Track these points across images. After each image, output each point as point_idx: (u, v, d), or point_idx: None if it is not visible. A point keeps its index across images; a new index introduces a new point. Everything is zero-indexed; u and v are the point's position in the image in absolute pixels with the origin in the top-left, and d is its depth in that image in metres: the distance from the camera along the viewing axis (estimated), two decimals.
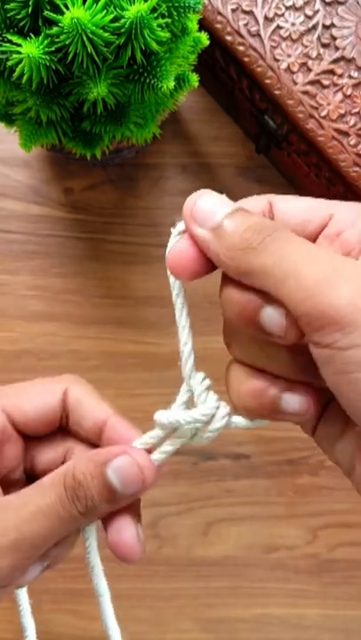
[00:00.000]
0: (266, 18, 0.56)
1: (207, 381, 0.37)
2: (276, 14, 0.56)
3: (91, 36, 0.39)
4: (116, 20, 0.40)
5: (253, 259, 0.30)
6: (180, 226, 0.37)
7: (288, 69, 0.56)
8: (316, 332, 0.28)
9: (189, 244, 0.35)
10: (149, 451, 0.37)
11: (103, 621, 0.43)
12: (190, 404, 0.37)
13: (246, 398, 0.34)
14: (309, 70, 0.56)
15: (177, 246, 0.36)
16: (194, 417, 0.36)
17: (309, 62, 0.56)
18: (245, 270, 0.31)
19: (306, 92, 0.55)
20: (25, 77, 0.41)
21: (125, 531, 0.39)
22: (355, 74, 0.56)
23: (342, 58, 0.56)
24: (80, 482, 0.35)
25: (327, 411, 0.35)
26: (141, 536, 0.39)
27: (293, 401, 0.33)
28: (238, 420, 0.36)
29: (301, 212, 0.35)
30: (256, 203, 0.35)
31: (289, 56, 0.56)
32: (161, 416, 0.36)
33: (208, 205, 0.33)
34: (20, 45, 0.39)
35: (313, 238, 0.34)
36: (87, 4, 0.39)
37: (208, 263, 0.35)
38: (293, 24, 0.56)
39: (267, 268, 0.30)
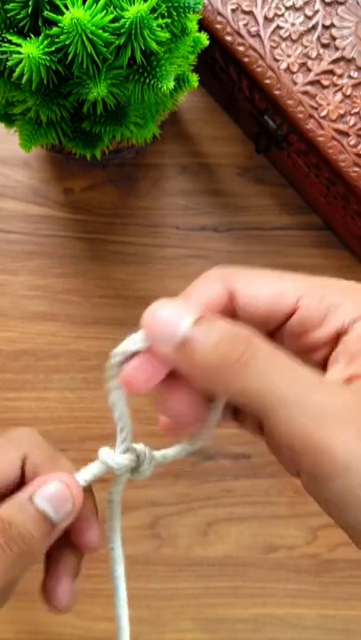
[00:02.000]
0: (266, 18, 0.56)
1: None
2: (275, 14, 0.56)
3: (90, 36, 0.39)
4: (115, 20, 0.40)
5: (234, 380, 0.28)
6: (137, 338, 0.33)
7: (288, 69, 0.56)
8: (306, 466, 0.27)
9: (148, 361, 0.32)
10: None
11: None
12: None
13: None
14: (309, 70, 0.56)
15: (134, 365, 0.32)
16: (123, 464, 0.37)
17: (309, 62, 0.56)
18: (225, 392, 0.29)
19: (306, 93, 0.55)
20: (25, 77, 0.41)
21: (63, 583, 0.39)
22: (354, 74, 0.56)
23: (342, 58, 0.56)
24: (10, 522, 0.33)
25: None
26: (74, 591, 0.39)
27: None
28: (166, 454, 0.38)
29: (266, 302, 0.32)
30: (211, 288, 0.33)
31: (289, 56, 0.56)
32: (102, 454, 0.37)
33: (168, 316, 0.30)
34: (19, 45, 0.39)
35: (277, 328, 0.33)
36: (87, 4, 0.39)
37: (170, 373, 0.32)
38: (293, 24, 0.56)
39: (251, 392, 0.28)
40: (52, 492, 0.34)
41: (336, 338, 0.31)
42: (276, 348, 0.28)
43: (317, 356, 0.32)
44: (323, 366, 0.32)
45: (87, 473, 0.37)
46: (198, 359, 0.28)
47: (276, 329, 0.33)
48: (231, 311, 0.33)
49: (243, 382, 0.28)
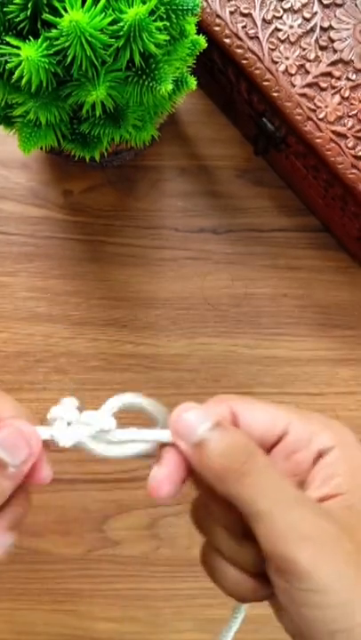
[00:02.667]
0: (264, 20, 0.56)
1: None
2: (274, 17, 0.56)
3: (89, 38, 0.39)
4: (114, 22, 0.40)
5: (232, 485, 0.34)
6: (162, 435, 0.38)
7: (286, 72, 0.56)
8: (277, 570, 0.33)
9: (170, 469, 0.37)
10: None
11: None
12: None
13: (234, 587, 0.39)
14: (307, 72, 0.56)
15: (157, 475, 0.38)
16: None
17: (307, 64, 0.56)
18: (225, 493, 0.34)
19: (304, 95, 0.56)
20: (24, 80, 0.41)
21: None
22: (353, 76, 0.56)
23: (340, 60, 0.56)
24: None
25: None
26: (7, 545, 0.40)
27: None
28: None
29: (263, 425, 0.38)
30: (218, 408, 0.38)
31: (287, 58, 0.56)
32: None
33: (191, 419, 0.36)
34: (19, 48, 0.40)
35: (269, 448, 0.38)
36: (86, 6, 0.39)
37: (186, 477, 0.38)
38: (292, 26, 0.56)
39: (244, 498, 0.34)
40: (9, 439, 0.36)
41: (317, 459, 0.37)
42: (271, 465, 0.35)
43: (303, 474, 0.38)
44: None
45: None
46: (209, 460, 0.35)
47: (269, 449, 0.38)
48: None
49: (239, 488, 0.34)
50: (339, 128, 0.55)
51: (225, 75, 0.60)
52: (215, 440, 0.35)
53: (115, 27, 0.40)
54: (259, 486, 0.33)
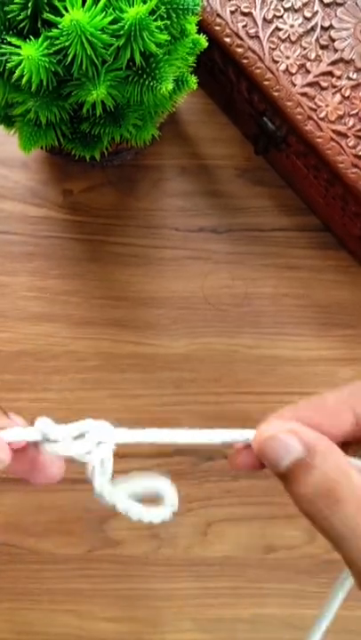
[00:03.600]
0: (265, 19, 0.56)
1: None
2: (274, 16, 0.56)
3: (90, 37, 0.39)
4: (115, 21, 0.40)
5: (319, 522, 0.32)
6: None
7: (287, 71, 0.56)
8: None
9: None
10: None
11: None
12: None
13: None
14: (308, 72, 0.56)
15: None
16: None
17: (308, 64, 0.56)
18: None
19: (304, 94, 0.56)
20: (24, 79, 0.41)
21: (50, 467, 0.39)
22: (353, 75, 0.56)
23: (341, 59, 0.56)
24: None
25: None
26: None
27: None
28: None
29: None
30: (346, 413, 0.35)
31: (288, 57, 0.56)
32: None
33: (273, 447, 0.33)
34: (19, 47, 0.40)
35: None
36: (86, 5, 0.39)
37: None
38: (292, 26, 0.56)
39: (332, 538, 0.32)
40: None
41: None
42: (356, 507, 0.31)
43: None
44: None
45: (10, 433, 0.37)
46: (293, 496, 0.32)
47: None
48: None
49: (326, 527, 0.31)
50: (339, 127, 0.55)
51: (225, 74, 0.60)
52: (303, 475, 0.32)
53: (115, 26, 0.40)
54: (344, 538, 0.31)
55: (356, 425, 0.35)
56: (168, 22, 0.42)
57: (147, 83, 0.43)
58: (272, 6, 0.56)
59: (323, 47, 0.56)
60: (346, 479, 0.32)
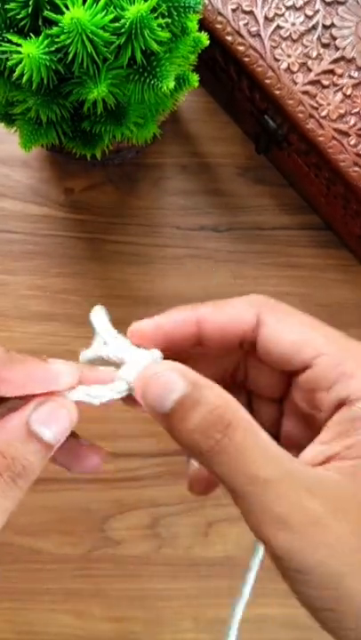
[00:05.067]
0: (266, 18, 0.56)
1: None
2: (276, 14, 0.56)
3: (91, 35, 0.39)
4: (116, 20, 0.40)
5: (202, 462, 0.31)
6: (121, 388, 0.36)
7: (288, 69, 0.56)
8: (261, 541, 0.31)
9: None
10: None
11: None
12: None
13: None
14: (309, 70, 0.56)
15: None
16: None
17: (309, 62, 0.56)
18: (198, 461, 0.31)
19: (306, 92, 0.55)
20: (25, 77, 0.41)
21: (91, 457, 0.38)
22: (355, 74, 0.56)
23: (342, 58, 0.56)
24: (13, 456, 0.31)
25: None
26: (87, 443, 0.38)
27: None
28: None
29: (286, 346, 0.34)
30: (184, 317, 0.35)
31: (289, 56, 0.56)
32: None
33: (158, 387, 0.32)
34: (20, 45, 0.39)
35: (289, 374, 0.35)
36: (87, 3, 0.39)
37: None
38: (293, 24, 0.56)
39: (218, 475, 0.30)
40: (47, 414, 0.33)
41: (339, 406, 0.33)
42: (250, 439, 0.30)
43: (320, 415, 0.34)
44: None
45: (79, 393, 0.36)
46: (179, 436, 0.31)
47: (291, 375, 0.35)
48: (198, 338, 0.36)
49: (210, 467, 0.30)
50: (341, 126, 0.55)
51: (227, 72, 0.60)
52: (188, 411, 0.30)
53: (116, 24, 0.40)
54: (235, 465, 0.29)
55: (256, 325, 0.34)
56: (169, 20, 0.42)
57: (148, 81, 0.43)
58: (273, 4, 0.56)
59: (324, 45, 0.56)
60: (234, 404, 0.31)
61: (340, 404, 0.32)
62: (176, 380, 0.31)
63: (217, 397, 0.31)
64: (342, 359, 0.33)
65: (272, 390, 0.39)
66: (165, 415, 0.31)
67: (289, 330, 0.34)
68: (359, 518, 0.30)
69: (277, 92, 0.56)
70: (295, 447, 0.34)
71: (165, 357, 0.36)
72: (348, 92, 0.55)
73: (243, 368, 0.40)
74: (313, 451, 0.33)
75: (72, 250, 0.67)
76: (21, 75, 0.41)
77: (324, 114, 0.55)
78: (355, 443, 0.31)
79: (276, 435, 0.39)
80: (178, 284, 0.67)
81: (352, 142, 0.55)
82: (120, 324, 0.66)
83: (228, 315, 0.35)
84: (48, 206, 0.67)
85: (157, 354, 0.36)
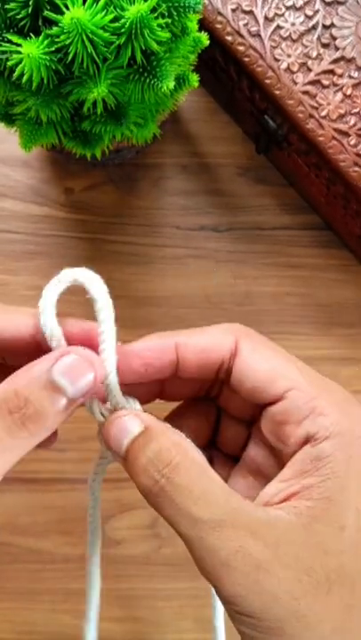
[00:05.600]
0: (266, 18, 0.56)
1: None
2: (276, 14, 0.56)
3: (91, 35, 0.38)
4: (116, 19, 0.40)
5: (151, 504, 0.31)
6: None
7: (288, 69, 0.55)
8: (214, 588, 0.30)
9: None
10: None
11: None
12: None
13: None
14: (309, 70, 0.56)
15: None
16: None
17: (309, 62, 0.56)
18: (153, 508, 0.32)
19: (306, 92, 0.55)
20: (25, 77, 0.40)
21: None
22: (355, 74, 0.56)
23: (342, 58, 0.56)
24: (27, 399, 0.31)
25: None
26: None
27: None
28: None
29: (261, 377, 0.34)
30: (162, 343, 0.35)
31: (289, 56, 0.56)
32: None
33: (115, 431, 0.33)
34: (19, 45, 0.39)
35: (262, 405, 0.35)
36: (87, 3, 0.39)
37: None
38: (293, 24, 0.56)
39: (164, 518, 0.31)
40: (70, 366, 0.32)
41: (304, 443, 0.32)
42: (192, 479, 0.30)
43: (286, 450, 0.33)
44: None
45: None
46: (132, 479, 0.32)
47: (263, 406, 0.34)
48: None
49: (158, 510, 0.31)
50: (341, 126, 0.55)
51: (227, 72, 0.60)
52: (138, 454, 0.31)
53: (116, 24, 0.40)
54: (176, 509, 0.30)
55: (232, 353, 0.35)
56: (169, 20, 0.42)
57: (148, 81, 0.43)
58: (273, 4, 0.56)
59: (324, 45, 0.56)
60: (183, 446, 0.31)
61: (306, 441, 0.32)
62: (131, 424, 0.32)
63: (166, 439, 0.32)
64: (315, 394, 0.33)
65: (242, 414, 0.39)
66: (122, 458, 0.32)
67: (264, 360, 0.34)
68: (306, 564, 0.29)
69: (277, 92, 0.56)
70: (257, 472, 0.35)
71: (140, 383, 0.37)
72: (349, 92, 0.55)
73: (217, 388, 0.40)
74: (273, 488, 0.33)
75: (72, 250, 0.67)
76: (21, 75, 0.41)
77: (324, 114, 0.55)
78: (314, 483, 0.31)
79: (240, 455, 0.39)
80: (178, 283, 0.67)
81: (352, 142, 0.55)
82: (120, 325, 0.66)
83: (206, 341, 0.35)
84: (48, 206, 0.67)
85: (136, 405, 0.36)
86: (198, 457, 0.32)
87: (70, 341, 0.35)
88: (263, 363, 0.34)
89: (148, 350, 0.35)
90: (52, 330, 0.35)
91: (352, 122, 0.55)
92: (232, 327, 0.36)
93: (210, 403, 0.40)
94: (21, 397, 0.31)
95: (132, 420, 0.33)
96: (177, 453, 0.31)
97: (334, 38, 0.56)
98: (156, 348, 0.35)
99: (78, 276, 0.36)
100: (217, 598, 0.42)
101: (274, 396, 0.34)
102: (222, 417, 0.40)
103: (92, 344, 0.35)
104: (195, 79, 0.51)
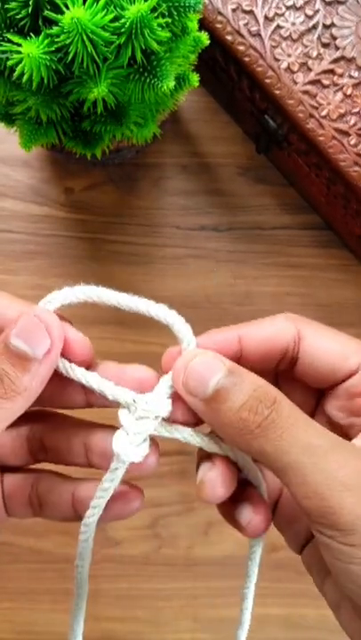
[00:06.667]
0: (266, 17, 0.56)
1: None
2: (276, 14, 0.56)
3: (91, 35, 0.38)
4: (116, 19, 0.40)
5: (252, 442, 0.30)
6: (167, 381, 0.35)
7: (288, 69, 0.55)
8: (318, 524, 0.30)
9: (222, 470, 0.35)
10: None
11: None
12: None
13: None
14: (310, 70, 0.56)
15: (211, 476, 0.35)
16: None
17: (310, 62, 0.56)
18: (246, 450, 0.31)
19: (306, 92, 0.55)
20: (25, 77, 0.40)
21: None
22: (355, 73, 0.55)
23: (342, 57, 0.56)
24: None
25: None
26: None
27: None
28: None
29: (331, 356, 0.34)
30: (226, 337, 0.35)
31: (289, 56, 0.56)
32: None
33: (199, 370, 0.32)
34: (20, 45, 0.39)
35: (333, 384, 0.35)
36: (87, 3, 0.39)
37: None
38: (294, 24, 0.56)
39: (268, 455, 0.30)
40: (28, 328, 0.33)
41: None
42: (298, 412, 0.31)
43: (359, 421, 0.35)
44: None
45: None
46: (227, 415, 0.31)
47: (333, 385, 0.35)
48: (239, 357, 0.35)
49: (261, 445, 0.30)
50: (341, 125, 0.55)
51: (227, 72, 0.60)
52: (233, 391, 0.31)
53: (116, 23, 0.40)
54: (287, 437, 0.30)
55: (296, 340, 0.35)
56: (169, 20, 0.42)
57: (148, 80, 0.43)
58: (273, 4, 0.56)
59: (324, 45, 0.56)
60: (271, 385, 0.32)
61: None
62: (216, 364, 0.32)
63: (257, 378, 0.32)
64: None
65: (302, 401, 0.39)
66: (208, 399, 0.31)
67: (332, 340, 0.35)
68: None
69: (277, 92, 0.56)
70: None
71: None
72: (349, 92, 0.55)
73: (275, 379, 0.40)
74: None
75: (72, 249, 0.67)
76: (21, 74, 0.41)
77: (324, 113, 0.55)
78: None
79: None
80: (178, 283, 0.67)
81: (352, 142, 0.55)
82: (120, 324, 0.66)
83: (269, 330, 0.35)
84: (48, 206, 0.67)
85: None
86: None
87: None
88: (331, 343, 0.35)
89: (213, 343, 0.35)
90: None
91: (352, 121, 0.55)
92: (290, 316, 0.36)
93: None
94: None
95: (216, 361, 0.32)
96: (273, 389, 0.31)
97: (334, 38, 0.56)
98: (221, 341, 0.35)
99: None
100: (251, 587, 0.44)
101: (348, 372, 0.34)
102: None
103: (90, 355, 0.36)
104: (195, 79, 0.51)
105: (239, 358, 0.35)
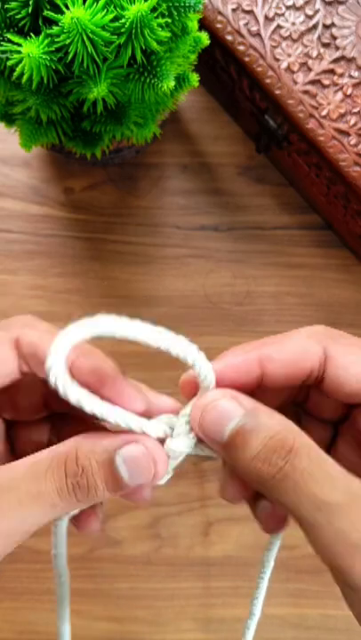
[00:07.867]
0: (266, 17, 0.56)
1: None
2: (276, 14, 0.56)
3: (91, 35, 0.38)
4: (116, 19, 0.40)
5: (270, 491, 0.30)
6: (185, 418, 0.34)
7: (288, 69, 0.55)
8: (334, 573, 0.29)
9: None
10: (162, 441, 0.34)
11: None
12: None
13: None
14: (310, 70, 0.56)
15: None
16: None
17: (310, 62, 0.56)
18: (262, 492, 0.31)
19: (306, 92, 0.55)
20: (25, 77, 0.40)
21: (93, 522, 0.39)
22: (355, 73, 0.55)
23: (343, 57, 0.56)
24: (84, 469, 0.31)
25: None
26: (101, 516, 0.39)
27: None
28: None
29: (358, 379, 0.33)
30: (245, 361, 0.34)
31: (289, 55, 0.56)
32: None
33: (215, 417, 0.31)
34: (20, 45, 0.39)
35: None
36: (87, 3, 0.39)
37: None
38: (294, 23, 0.56)
39: (283, 504, 0.29)
40: (138, 461, 0.32)
41: None
42: (312, 464, 0.29)
43: None
44: None
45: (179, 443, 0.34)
46: (241, 463, 0.30)
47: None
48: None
49: (275, 495, 0.29)
50: (341, 125, 0.55)
51: (227, 72, 0.60)
52: (248, 438, 0.30)
53: (116, 23, 0.40)
54: (300, 493, 0.29)
55: (322, 360, 0.34)
56: (169, 20, 0.42)
57: (148, 80, 0.43)
58: (274, 4, 0.56)
59: (324, 45, 0.56)
60: (294, 429, 0.30)
61: None
62: (233, 408, 0.31)
63: (276, 424, 0.31)
64: None
65: (330, 415, 0.38)
66: (224, 444, 0.31)
67: (357, 362, 0.34)
68: None
69: (277, 92, 0.56)
70: (349, 470, 0.35)
71: None
72: (349, 92, 0.55)
73: (303, 394, 0.39)
74: None
75: (72, 249, 0.67)
76: (21, 74, 0.41)
77: (324, 113, 0.55)
78: None
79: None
80: (178, 283, 0.67)
81: (352, 142, 0.55)
82: None
83: (293, 352, 0.34)
84: (49, 206, 0.67)
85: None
86: (310, 440, 0.31)
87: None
88: (359, 365, 0.33)
89: (231, 371, 0.34)
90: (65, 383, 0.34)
91: (352, 121, 0.55)
92: (316, 332, 0.34)
93: (291, 408, 0.40)
94: (80, 465, 0.31)
95: (232, 403, 0.31)
96: (294, 437, 0.30)
97: (335, 38, 0.56)
98: (240, 367, 0.34)
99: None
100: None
101: None
102: (304, 420, 0.40)
103: (101, 381, 0.36)
104: (195, 79, 0.51)
105: (260, 383, 0.34)
